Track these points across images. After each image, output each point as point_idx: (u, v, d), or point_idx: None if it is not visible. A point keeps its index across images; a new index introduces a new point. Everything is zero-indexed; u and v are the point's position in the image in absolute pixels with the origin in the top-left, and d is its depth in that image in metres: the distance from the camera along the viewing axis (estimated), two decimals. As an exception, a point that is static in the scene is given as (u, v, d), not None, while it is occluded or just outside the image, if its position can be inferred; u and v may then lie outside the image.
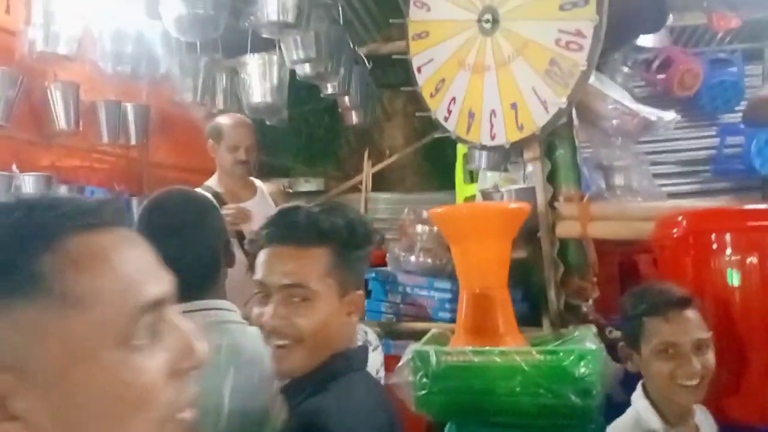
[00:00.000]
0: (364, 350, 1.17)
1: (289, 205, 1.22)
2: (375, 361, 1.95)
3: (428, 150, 5.35)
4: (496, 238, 1.93)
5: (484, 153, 2.53)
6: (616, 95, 2.13)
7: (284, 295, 1.06)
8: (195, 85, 3.32)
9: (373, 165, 5.14)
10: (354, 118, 4.37)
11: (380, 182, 5.21)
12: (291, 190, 6.47)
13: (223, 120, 2.80)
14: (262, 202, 2.79)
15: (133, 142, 3.61)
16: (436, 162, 5.55)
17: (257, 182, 2.91)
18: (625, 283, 2.58)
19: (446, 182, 5.28)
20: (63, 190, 3.02)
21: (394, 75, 5.14)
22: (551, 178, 2.26)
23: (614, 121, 2.10)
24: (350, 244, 1.12)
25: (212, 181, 2.81)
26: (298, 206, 1.18)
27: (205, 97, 3.36)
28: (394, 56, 2.53)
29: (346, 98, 4.08)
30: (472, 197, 4.23)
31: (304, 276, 1.06)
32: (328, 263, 1.08)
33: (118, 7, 2.86)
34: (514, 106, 2.08)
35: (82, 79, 3.25)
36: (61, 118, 3.10)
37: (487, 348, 1.84)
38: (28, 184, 2.84)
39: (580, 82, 1.93)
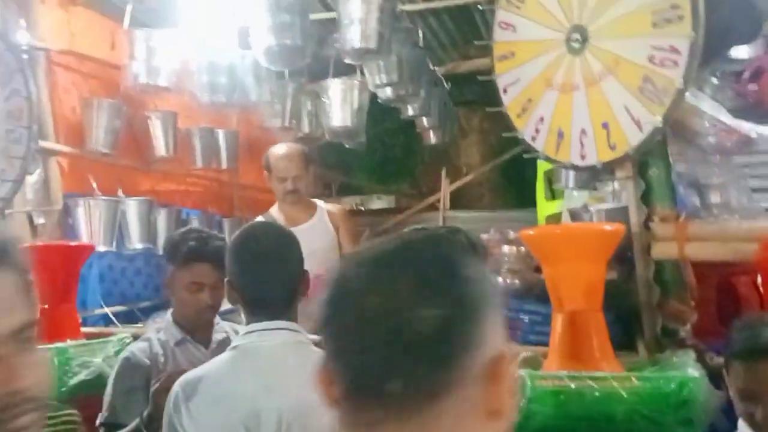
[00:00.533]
0: None
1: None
2: None
3: (506, 167, 5.31)
4: (591, 260, 1.90)
5: (572, 172, 2.51)
6: (712, 111, 2.06)
7: None
8: (283, 110, 3.44)
9: (450, 183, 5.15)
10: (432, 137, 4.41)
11: (457, 200, 5.20)
12: (363, 208, 6.61)
13: (274, 151, 2.80)
14: (317, 225, 2.81)
15: (224, 166, 3.77)
16: (514, 179, 5.50)
17: (319, 203, 2.92)
18: (722, 306, 2.48)
19: (525, 200, 5.23)
20: (162, 213, 3.19)
21: (471, 92, 5.16)
22: (644, 197, 2.21)
23: (711, 138, 2.03)
24: None
25: (273, 208, 2.89)
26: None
27: (291, 121, 3.49)
28: (480, 77, 2.54)
29: (425, 119, 4.13)
30: (555, 215, 4.16)
31: None
32: None
33: (213, 40, 3.01)
34: (605, 125, 2.05)
35: (177, 108, 3.44)
36: (160, 146, 3.29)
37: (583, 373, 1.81)
38: (132, 208, 3.03)
39: (676, 100, 1.89)
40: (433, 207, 5.17)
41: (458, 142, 5.45)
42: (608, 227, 1.97)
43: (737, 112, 2.68)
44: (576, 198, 2.92)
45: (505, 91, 2.36)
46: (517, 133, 2.35)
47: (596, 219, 2.39)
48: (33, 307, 0.68)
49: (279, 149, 2.81)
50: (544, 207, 4.43)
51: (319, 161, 4.96)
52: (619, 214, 2.38)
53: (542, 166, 4.39)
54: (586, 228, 2.07)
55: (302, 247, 2.17)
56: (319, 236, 2.77)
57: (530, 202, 4.85)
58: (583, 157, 2.14)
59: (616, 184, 2.40)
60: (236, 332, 1.96)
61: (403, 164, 6.27)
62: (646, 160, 2.19)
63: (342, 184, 5.95)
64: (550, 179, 4.49)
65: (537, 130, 2.27)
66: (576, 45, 2.10)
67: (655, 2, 1.91)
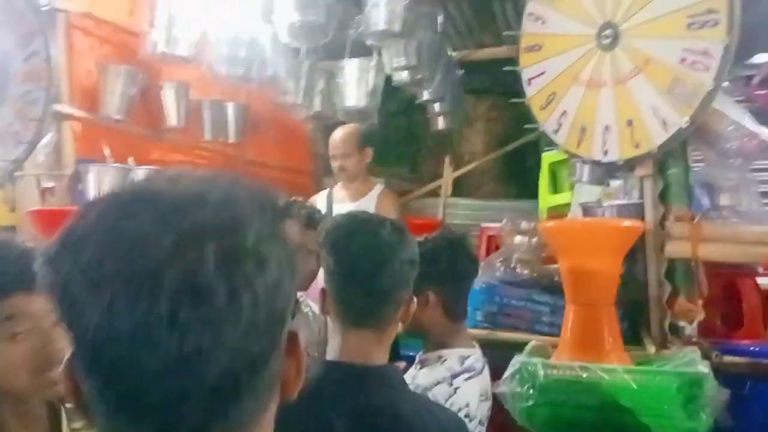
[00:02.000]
0: None
1: None
2: (472, 391, 1.73)
3: (508, 158, 5.34)
4: (608, 255, 1.94)
5: (587, 167, 2.53)
6: (735, 115, 2.10)
7: None
8: (296, 87, 3.43)
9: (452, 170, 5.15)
10: (441, 123, 4.40)
11: (457, 188, 5.22)
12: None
13: (333, 131, 3.02)
14: (363, 205, 2.94)
15: (231, 139, 3.75)
16: (515, 170, 5.53)
17: (377, 186, 3.09)
18: (726, 306, 2.54)
19: (526, 190, 5.25)
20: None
21: (480, 81, 5.15)
22: (660, 195, 2.24)
23: (733, 143, 2.07)
24: None
25: (337, 186, 3.11)
26: None
27: (305, 99, 3.48)
28: (504, 68, 2.54)
29: (437, 104, 4.12)
30: (557, 207, 4.21)
31: None
32: None
33: (234, 12, 2.99)
34: (630, 123, 2.08)
35: (190, 78, 3.41)
36: (172, 116, 3.27)
37: (595, 364, 1.86)
38: (143, 175, 3.01)
39: (704, 102, 1.92)
40: (434, 193, 5.19)
41: (462, 129, 5.44)
42: (628, 223, 2.01)
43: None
44: (586, 193, 2.96)
45: (529, 83, 2.37)
46: (539, 125, 2.37)
47: (608, 214, 2.43)
48: None
49: (337, 129, 3.00)
50: (547, 199, 4.48)
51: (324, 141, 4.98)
52: (632, 211, 2.42)
53: (547, 158, 4.43)
54: (606, 223, 2.10)
55: None
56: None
57: (531, 193, 4.89)
58: (605, 153, 2.17)
59: (630, 181, 2.44)
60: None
61: (404, 148, 6.26)
62: (665, 159, 2.23)
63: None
64: (555, 172, 4.54)
65: (559, 124, 2.30)
66: (607, 42, 2.11)
67: (691, 5, 1.93)
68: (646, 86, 2.03)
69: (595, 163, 2.26)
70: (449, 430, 1.26)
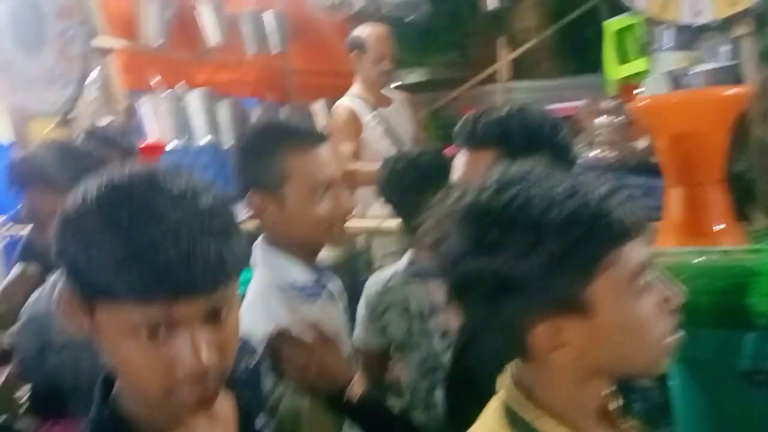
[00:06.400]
0: None
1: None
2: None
3: (565, 30, 4.98)
4: (713, 129, 1.76)
5: (670, 31, 2.28)
6: None
7: None
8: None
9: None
10: (491, 3, 4.09)
11: (511, 70, 4.92)
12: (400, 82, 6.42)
13: (366, 31, 2.77)
14: (401, 105, 2.78)
15: (274, 51, 3.59)
16: (573, 43, 5.16)
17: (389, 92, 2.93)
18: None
19: (586, 65, 4.92)
20: (224, 104, 3.08)
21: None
22: (761, 55, 2.01)
23: None
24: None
25: (357, 90, 2.83)
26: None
27: (342, -1, 3.26)
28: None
29: (486, -19, 3.80)
30: (628, 78, 3.92)
31: None
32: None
33: None
34: (728, -25, 1.83)
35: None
36: (211, 35, 3.13)
37: (708, 247, 1.73)
38: (195, 101, 2.93)
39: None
40: (489, 80, 4.92)
41: (513, 5, 5.05)
42: (732, 91, 1.80)
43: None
44: (666, 62, 2.70)
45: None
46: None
47: (701, 82, 2.21)
48: None
49: (371, 28, 2.77)
50: (615, 71, 4.17)
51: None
52: (727, 75, 2.19)
53: (610, 26, 4.08)
54: (708, 93, 1.90)
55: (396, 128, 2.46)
56: (406, 118, 2.83)
57: (593, 67, 4.57)
58: (696, 14, 1.92)
59: (718, 42, 2.20)
60: None
61: (452, 33, 5.91)
62: (763, 13, 1.97)
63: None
64: (620, 41, 4.20)
65: (640, -13, 2.04)
66: None
67: None
68: (747, -72, 1.75)
69: (683, 27, 2.01)
70: None
